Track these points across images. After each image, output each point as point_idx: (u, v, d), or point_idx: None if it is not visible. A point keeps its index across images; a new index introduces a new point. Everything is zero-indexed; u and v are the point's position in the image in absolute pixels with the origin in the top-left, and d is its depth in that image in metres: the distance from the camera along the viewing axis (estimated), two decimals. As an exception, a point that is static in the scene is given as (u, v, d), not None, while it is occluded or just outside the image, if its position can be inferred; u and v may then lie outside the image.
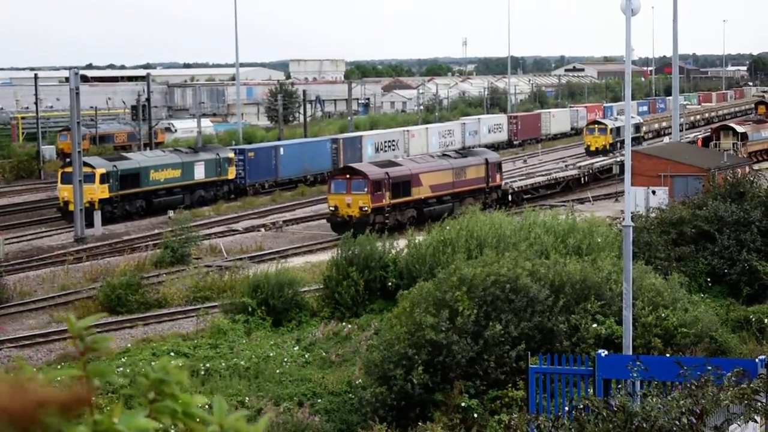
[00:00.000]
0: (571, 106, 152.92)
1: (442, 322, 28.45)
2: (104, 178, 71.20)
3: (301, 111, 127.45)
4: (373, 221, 62.48)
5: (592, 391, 23.85)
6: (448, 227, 41.67)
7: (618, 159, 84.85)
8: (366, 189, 63.40)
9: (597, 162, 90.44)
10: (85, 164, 68.55)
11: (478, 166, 71.87)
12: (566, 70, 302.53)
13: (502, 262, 30.97)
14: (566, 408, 21.31)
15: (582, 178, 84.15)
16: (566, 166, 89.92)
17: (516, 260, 31.22)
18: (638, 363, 22.52)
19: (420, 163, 70.31)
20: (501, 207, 65.82)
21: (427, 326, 28.37)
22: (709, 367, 20.20)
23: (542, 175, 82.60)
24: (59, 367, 33.99)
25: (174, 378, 3.20)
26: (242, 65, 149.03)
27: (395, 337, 28.91)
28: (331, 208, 64.59)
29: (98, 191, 70.22)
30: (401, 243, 44.15)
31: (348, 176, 64.60)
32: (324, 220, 69.71)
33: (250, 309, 40.31)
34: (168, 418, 3.16)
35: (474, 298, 29.25)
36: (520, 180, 79.90)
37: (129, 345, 38.58)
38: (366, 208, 63.24)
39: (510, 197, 74.26)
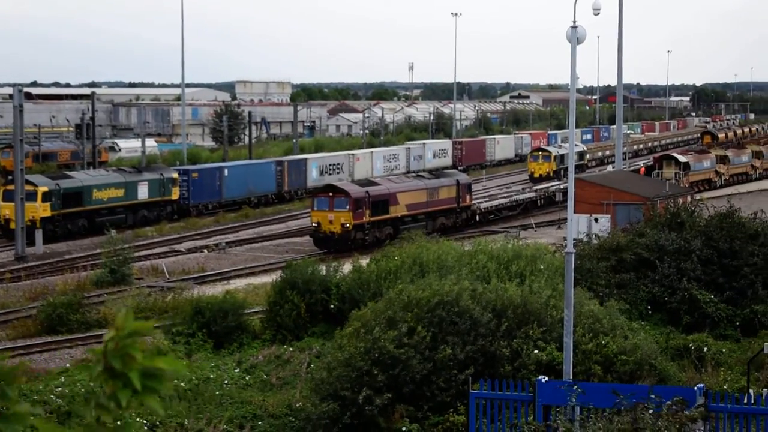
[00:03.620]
0: (515, 133, 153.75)
1: (402, 337, 28.57)
2: (46, 197, 70.63)
3: (247, 132, 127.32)
4: (353, 237, 65.45)
5: (532, 417, 23.95)
6: (395, 256, 41.64)
7: (562, 186, 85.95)
8: (348, 207, 65.69)
9: (552, 186, 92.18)
10: (28, 182, 67.98)
11: (450, 187, 74.96)
12: (511, 97, 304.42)
13: (443, 281, 31.17)
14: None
15: (539, 201, 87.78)
16: (523, 189, 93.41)
17: (457, 280, 31.49)
18: (576, 388, 22.66)
19: (397, 183, 73.13)
20: (469, 225, 72.33)
21: (387, 340, 28.35)
22: (653, 395, 20.39)
23: (504, 197, 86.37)
24: None
25: None
26: (188, 86, 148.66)
27: (351, 355, 28.69)
28: (313, 224, 66.77)
29: (40, 209, 69.65)
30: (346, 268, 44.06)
31: (331, 194, 66.88)
32: (267, 242, 70.55)
33: (189, 332, 40.04)
34: None
35: (422, 320, 29.35)
36: (485, 202, 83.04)
37: (68, 365, 38.17)
38: (347, 225, 65.39)
39: (477, 217, 78.00)
